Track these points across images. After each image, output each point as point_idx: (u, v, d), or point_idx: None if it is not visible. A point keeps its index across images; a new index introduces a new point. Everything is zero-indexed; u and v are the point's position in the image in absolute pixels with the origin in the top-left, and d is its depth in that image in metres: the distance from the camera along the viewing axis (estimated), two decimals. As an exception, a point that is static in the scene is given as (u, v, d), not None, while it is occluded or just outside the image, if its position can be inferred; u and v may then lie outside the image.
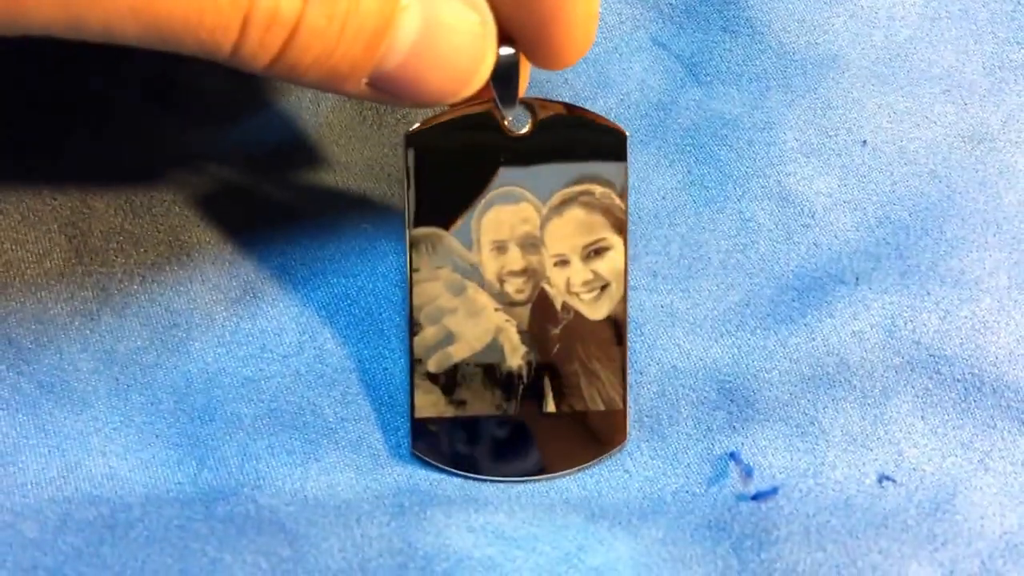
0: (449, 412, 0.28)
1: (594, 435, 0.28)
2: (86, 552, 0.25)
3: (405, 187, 0.28)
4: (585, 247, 0.28)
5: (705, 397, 0.29)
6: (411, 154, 0.28)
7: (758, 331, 0.29)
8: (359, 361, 0.29)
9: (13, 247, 0.29)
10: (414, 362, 0.28)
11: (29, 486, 0.27)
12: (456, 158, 0.28)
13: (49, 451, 0.27)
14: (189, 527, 0.25)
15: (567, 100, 0.31)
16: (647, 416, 0.29)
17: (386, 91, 0.24)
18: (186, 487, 0.27)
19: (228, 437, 0.28)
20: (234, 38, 0.21)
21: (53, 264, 0.29)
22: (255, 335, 0.29)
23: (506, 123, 0.28)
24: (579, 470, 0.28)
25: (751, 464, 0.28)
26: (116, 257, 0.30)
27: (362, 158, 0.32)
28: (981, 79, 0.32)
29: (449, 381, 0.28)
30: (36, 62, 0.31)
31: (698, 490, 0.28)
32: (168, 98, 0.31)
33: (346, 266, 0.30)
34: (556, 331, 0.28)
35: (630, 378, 0.29)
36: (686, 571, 0.25)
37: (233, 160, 0.31)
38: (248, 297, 0.30)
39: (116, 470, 0.27)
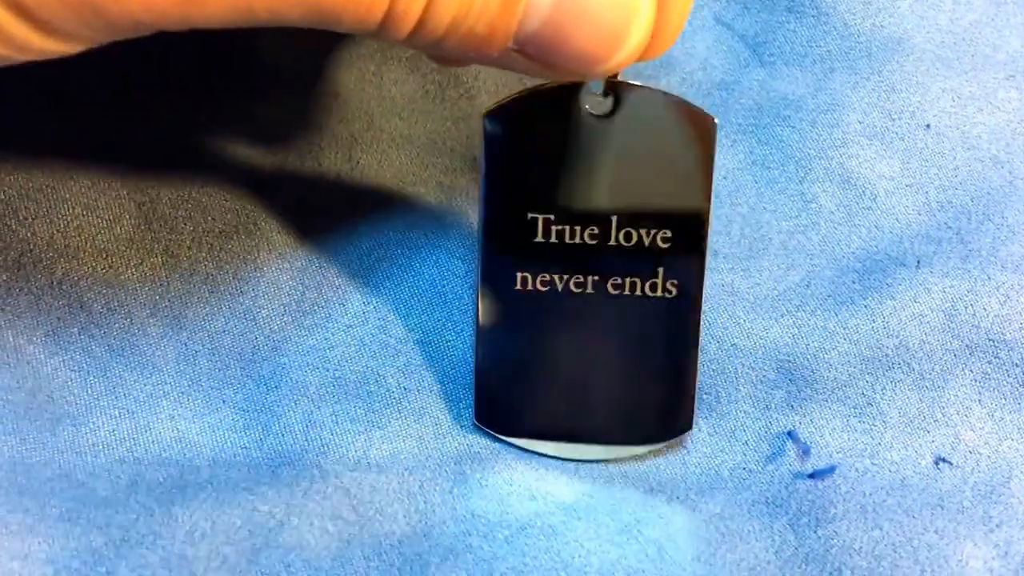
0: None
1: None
2: (158, 511, 0.25)
3: (481, 165, 0.27)
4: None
5: (764, 376, 0.29)
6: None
7: (818, 311, 0.29)
8: (422, 332, 0.29)
9: (84, 212, 0.30)
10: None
11: (101, 447, 0.27)
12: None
13: (120, 413, 0.28)
14: (256, 490, 0.26)
15: (629, 79, 0.31)
16: (706, 393, 0.29)
17: (533, 56, 0.23)
18: (252, 452, 0.27)
19: (293, 404, 0.28)
20: (384, 9, 0.21)
21: (123, 230, 0.30)
22: (320, 304, 0.30)
23: (587, 105, 0.27)
24: (638, 457, 0.28)
25: (809, 443, 0.28)
26: (185, 224, 0.30)
27: (424, 131, 0.32)
28: (1045, 65, 0.32)
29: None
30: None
31: (755, 467, 0.28)
32: (233, 71, 0.32)
33: (409, 238, 0.30)
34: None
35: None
36: (743, 545, 0.26)
37: (297, 132, 0.32)
38: (313, 267, 0.30)
39: (184, 433, 0.28)
